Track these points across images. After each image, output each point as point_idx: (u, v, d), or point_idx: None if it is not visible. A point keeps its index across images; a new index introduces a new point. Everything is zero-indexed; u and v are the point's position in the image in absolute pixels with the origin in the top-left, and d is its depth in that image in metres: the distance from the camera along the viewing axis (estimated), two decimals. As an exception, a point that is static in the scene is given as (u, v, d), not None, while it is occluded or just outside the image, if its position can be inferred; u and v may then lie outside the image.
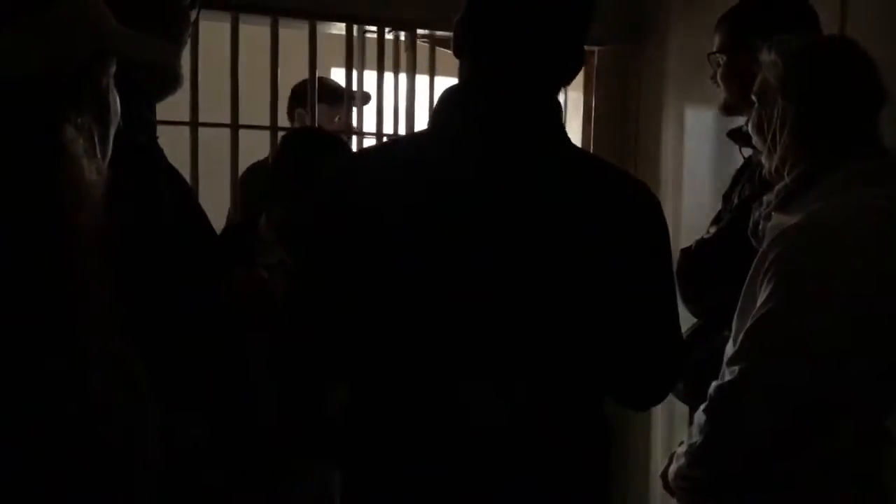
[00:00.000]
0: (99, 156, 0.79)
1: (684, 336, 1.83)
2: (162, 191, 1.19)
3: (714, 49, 2.00)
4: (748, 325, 1.46)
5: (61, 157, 0.72)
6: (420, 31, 2.86)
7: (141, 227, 1.00)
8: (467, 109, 1.26)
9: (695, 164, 2.87)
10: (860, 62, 1.53)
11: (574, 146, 1.33)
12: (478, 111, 1.25)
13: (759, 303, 1.46)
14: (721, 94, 2.02)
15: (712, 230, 1.99)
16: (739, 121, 2.07)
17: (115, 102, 0.86)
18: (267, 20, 2.68)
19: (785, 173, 1.55)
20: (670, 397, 1.54)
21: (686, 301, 1.87)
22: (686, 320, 1.73)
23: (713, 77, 2.03)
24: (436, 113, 1.30)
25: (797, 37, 1.57)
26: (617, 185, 1.28)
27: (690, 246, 1.98)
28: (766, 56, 1.57)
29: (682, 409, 2.25)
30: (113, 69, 0.83)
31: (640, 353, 1.29)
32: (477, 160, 1.23)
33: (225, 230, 2.27)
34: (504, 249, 1.20)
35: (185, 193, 1.30)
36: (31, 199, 0.70)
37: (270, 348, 1.31)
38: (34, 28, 0.71)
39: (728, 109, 2.02)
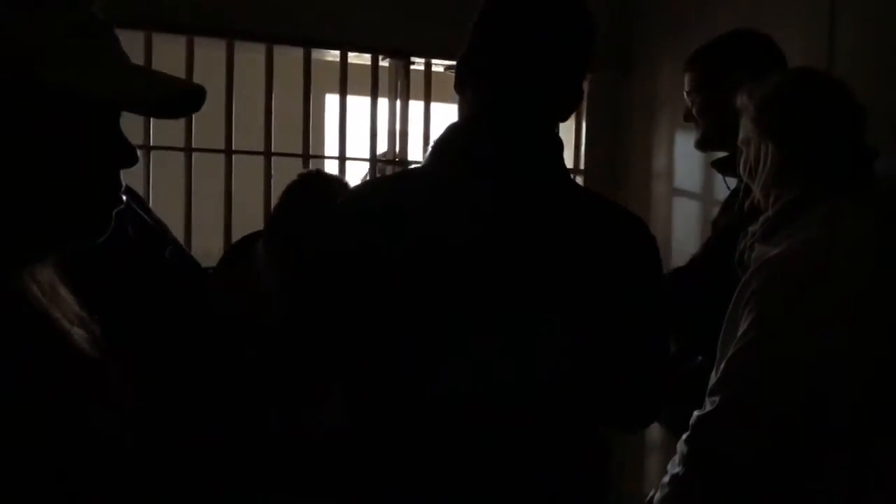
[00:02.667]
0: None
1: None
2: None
3: (688, 88, 2.03)
4: (728, 354, 1.47)
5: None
6: (414, 59, 2.89)
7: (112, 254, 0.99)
8: (471, 147, 1.28)
9: (684, 189, 2.89)
10: (828, 93, 1.56)
11: (574, 183, 1.36)
12: (482, 148, 1.27)
13: (739, 332, 1.47)
14: (698, 130, 2.04)
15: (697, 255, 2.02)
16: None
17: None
18: (262, 47, 2.71)
19: (769, 205, 1.58)
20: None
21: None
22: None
23: (686, 116, 2.06)
24: (439, 150, 1.31)
25: (766, 78, 1.60)
26: (616, 221, 1.31)
27: (677, 268, 2.00)
28: (740, 101, 1.61)
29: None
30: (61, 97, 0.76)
31: (632, 378, 1.31)
32: (482, 195, 1.24)
33: (226, 252, 2.30)
34: (508, 283, 1.22)
35: (144, 213, 1.30)
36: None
37: (266, 363, 1.31)
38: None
39: (703, 144, 2.04)
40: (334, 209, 1.30)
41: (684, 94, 2.06)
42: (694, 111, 2.02)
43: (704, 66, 2.01)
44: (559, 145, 1.32)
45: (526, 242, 1.24)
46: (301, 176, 2.17)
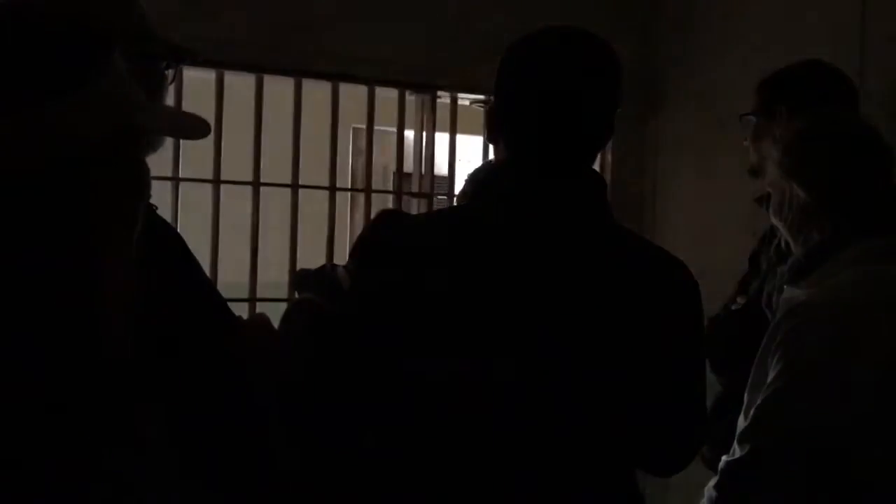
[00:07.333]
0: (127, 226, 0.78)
1: (711, 402, 1.81)
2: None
3: (749, 111, 2.00)
4: (759, 401, 1.46)
5: (89, 230, 0.71)
6: (440, 93, 2.92)
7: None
8: (515, 189, 1.30)
9: (713, 226, 2.87)
10: (851, 135, 1.55)
11: (618, 224, 1.36)
12: (526, 191, 1.29)
13: (769, 379, 1.45)
14: (750, 156, 2.01)
15: (740, 299, 1.97)
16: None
17: (147, 175, 0.86)
18: (290, 81, 2.74)
19: (797, 248, 1.56)
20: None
21: (714, 368, 1.85)
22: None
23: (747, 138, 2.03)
24: (481, 188, 1.34)
25: (790, 124, 1.59)
26: (658, 263, 1.32)
27: (719, 314, 1.96)
28: (765, 147, 1.61)
29: (699, 476, 2.21)
30: (145, 143, 0.84)
31: (669, 424, 1.31)
32: (523, 234, 1.26)
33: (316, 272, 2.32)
34: (547, 324, 1.23)
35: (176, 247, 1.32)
36: (60, 272, 0.70)
37: (294, 393, 1.31)
38: (61, 112, 0.72)
39: (753, 172, 2.01)
40: (386, 245, 1.32)
41: (739, 117, 2.03)
42: (748, 136, 2.00)
43: (763, 93, 1.97)
44: (603, 186, 1.33)
45: (572, 285, 1.24)
46: (383, 212, 2.21)
